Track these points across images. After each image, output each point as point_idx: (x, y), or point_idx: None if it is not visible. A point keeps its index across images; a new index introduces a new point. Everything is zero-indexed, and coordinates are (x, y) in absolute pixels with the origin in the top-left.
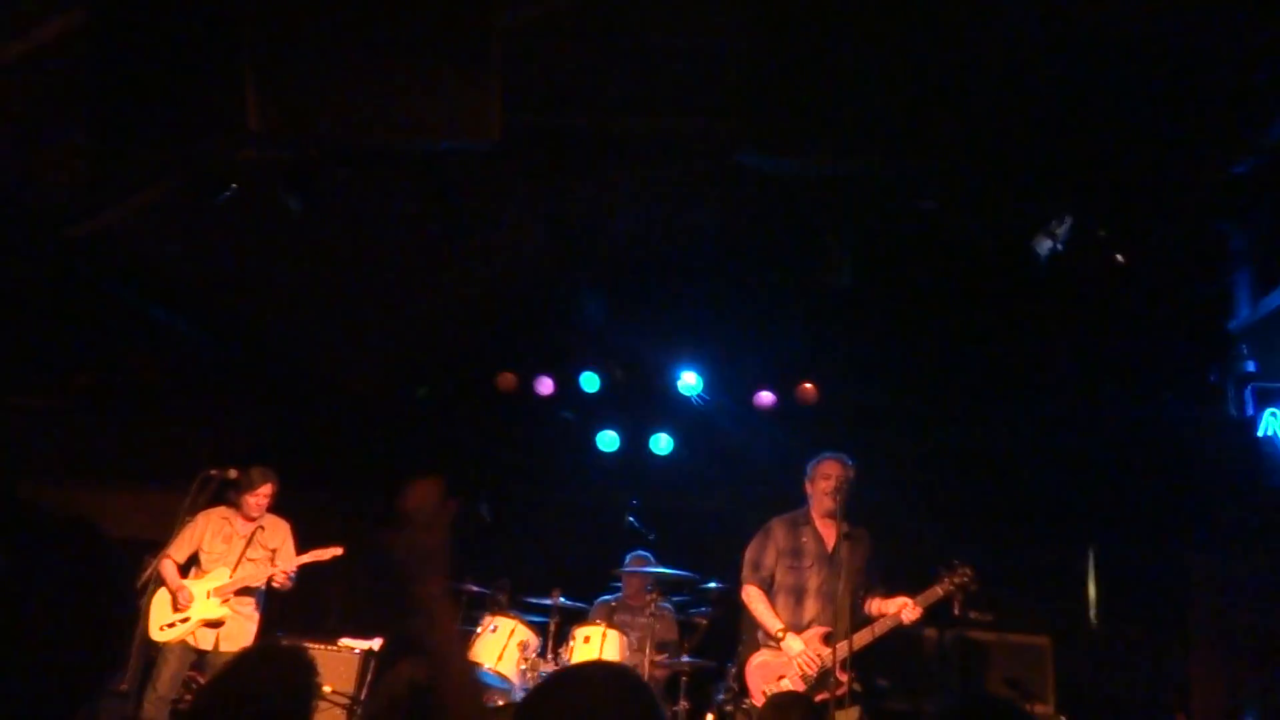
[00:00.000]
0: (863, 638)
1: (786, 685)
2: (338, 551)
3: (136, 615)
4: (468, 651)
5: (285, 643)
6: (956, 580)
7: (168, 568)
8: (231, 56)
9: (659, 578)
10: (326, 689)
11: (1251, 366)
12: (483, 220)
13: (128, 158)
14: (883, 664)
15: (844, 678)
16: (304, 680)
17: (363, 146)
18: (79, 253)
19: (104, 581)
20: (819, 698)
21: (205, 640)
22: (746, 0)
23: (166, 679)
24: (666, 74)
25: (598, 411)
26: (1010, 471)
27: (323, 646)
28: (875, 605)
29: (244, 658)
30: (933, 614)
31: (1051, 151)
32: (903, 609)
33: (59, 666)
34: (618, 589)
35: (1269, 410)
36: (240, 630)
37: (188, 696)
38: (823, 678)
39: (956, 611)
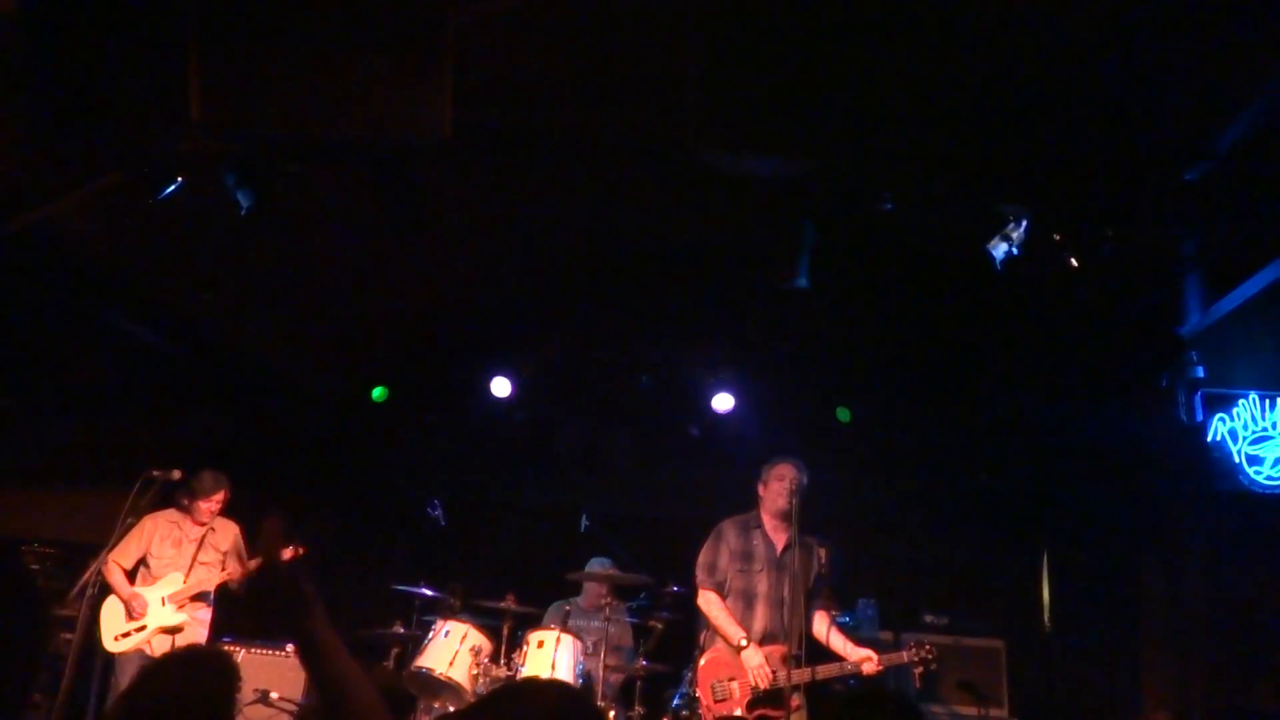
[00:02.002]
0: (828, 670)
1: (735, 686)
2: (298, 552)
3: (48, 631)
4: (366, 681)
5: (211, 647)
6: (922, 654)
7: (115, 574)
8: (174, 43)
9: (615, 582)
10: (273, 695)
11: (1200, 372)
12: (437, 219)
13: (66, 149)
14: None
15: (795, 703)
16: (224, 682)
17: (311, 140)
18: (14, 248)
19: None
20: (759, 711)
21: (161, 647)
22: None
23: None
24: (622, 72)
25: (555, 413)
26: (963, 476)
27: (271, 651)
28: (838, 642)
29: (165, 660)
30: (888, 619)
31: (1008, 155)
32: (865, 661)
33: None
34: (571, 593)
35: (1218, 415)
36: (195, 636)
37: None
38: (772, 694)
39: (918, 684)
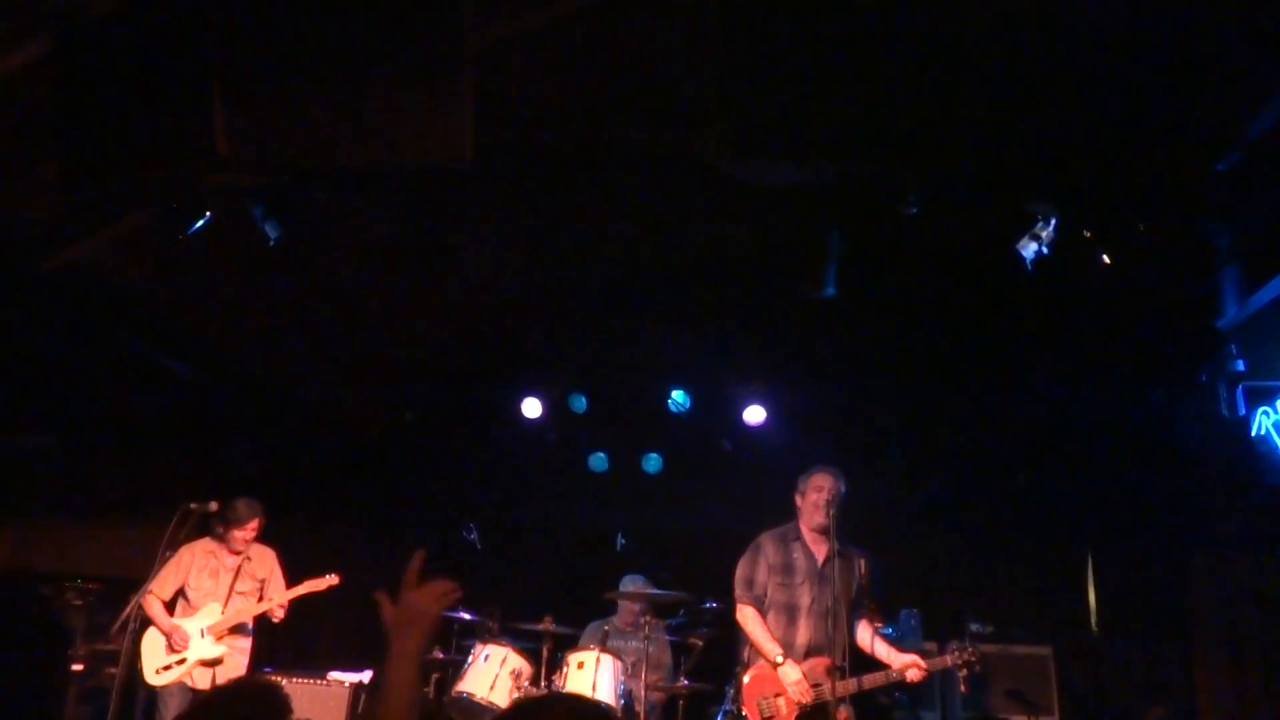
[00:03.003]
0: (874, 680)
1: (781, 703)
2: (334, 580)
3: (66, 663)
4: (415, 702)
5: (264, 678)
6: (965, 657)
7: (155, 607)
8: (199, 81)
9: (653, 600)
10: None
11: (1241, 365)
12: (464, 242)
13: (98, 188)
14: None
15: (842, 716)
16: (277, 715)
17: (335, 169)
18: (49, 286)
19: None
20: None
21: (201, 679)
22: (720, 8)
23: None
24: (640, 87)
25: (586, 433)
26: (1002, 479)
27: (311, 680)
28: (881, 650)
29: (218, 693)
30: (932, 629)
31: (1035, 153)
32: (910, 667)
33: None
34: (608, 612)
35: (1261, 409)
36: (235, 666)
37: None
38: (819, 709)
39: (964, 689)
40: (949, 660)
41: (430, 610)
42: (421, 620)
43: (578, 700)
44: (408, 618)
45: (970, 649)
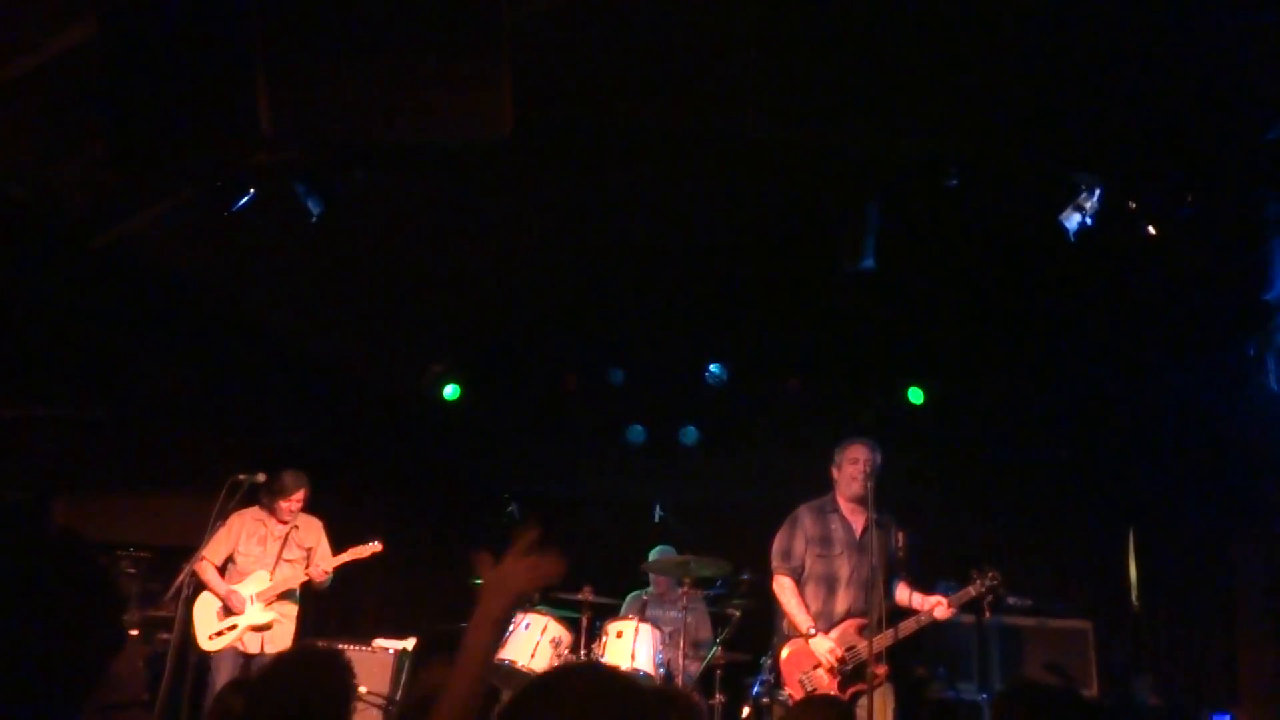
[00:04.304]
0: (907, 627)
1: (821, 674)
2: (377, 548)
3: (121, 626)
4: (487, 671)
5: (322, 645)
6: (988, 583)
7: (209, 572)
8: (243, 60)
9: (689, 571)
10: (362, 689)
11: None
12: (503, 217)
13: (144, 166)
14: (921, 652)
15: (880, 671)
16: (341, 682)
17: (376, 145)
18: (99, 263)
19: (85, 593)
20: (851, 690)
21: (252, 644)
22: None
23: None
24: (679, 58)
25: (624, 405)
26: (1043, 452)
27: (357, 647)
28: (911, 598)
29: (282, 661)
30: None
31: (1078, 122)
32: (936, 606)
33: (35, 676)
34: (648, 583)
35: None
36: (283, 632)
37: None
38: (857, 670)
39: (988, 614)
40: (972, 591)
41: (526, 581)
42: (515, 588)
43: (598, 669)
44: (503, 584)
45: (991, 573)
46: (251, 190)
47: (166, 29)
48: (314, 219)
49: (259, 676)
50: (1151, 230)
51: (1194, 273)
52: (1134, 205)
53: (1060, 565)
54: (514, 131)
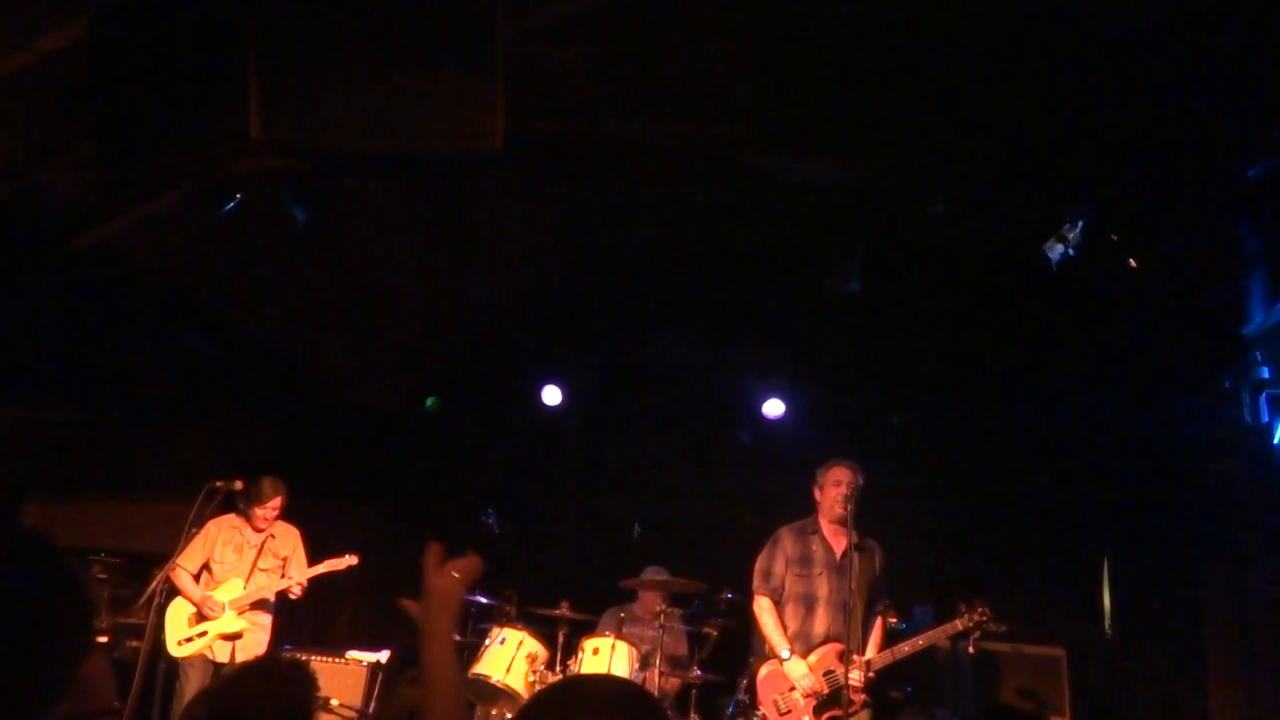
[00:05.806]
0: (883, 659)
1: (796, 696)
2: (353, 561)
3: (91, 631)
4: (458, 680)
5: (286, 655)
6: (975, 617)
7: (184, 579)
8: (234, 65)
9: (670, 590)
10: (334, 702)
11: (1265, 373)
12: (490, 230)
13: (132, 168)
14: (896, 676)
15: (858, 699)
16: (303, 694)
17: (365, 155)
18: (80, 266)
19: (54, 597)
20: (827, 715)
21: (222, 653)
22: (752, 3)
23: (192, 695)
24: (671, 79)
25: (606, 421)
26: (1022, 481)
27: (330, 659)
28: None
29: (243, 671)
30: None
31: (1063, 154)
32: (907, 644)
33: (2, 682)
34: (625, 599)
35: None
36: (255, 642)
37: None
38: (833, 695)
39: (972, 650)
40: (959, 625)
41: (456, 591)
42: (450, 602)
43: (624, 681)
44: (436, 604)
45: (980, 609)
46: (238, 195)
47: (158, 31)
48: (300, 226)
49: (220, 685)
50: (1133, 263)
51: (1174, 305)
52: (1116, 238)
53: (1036, 593)
54: (504, 145)
